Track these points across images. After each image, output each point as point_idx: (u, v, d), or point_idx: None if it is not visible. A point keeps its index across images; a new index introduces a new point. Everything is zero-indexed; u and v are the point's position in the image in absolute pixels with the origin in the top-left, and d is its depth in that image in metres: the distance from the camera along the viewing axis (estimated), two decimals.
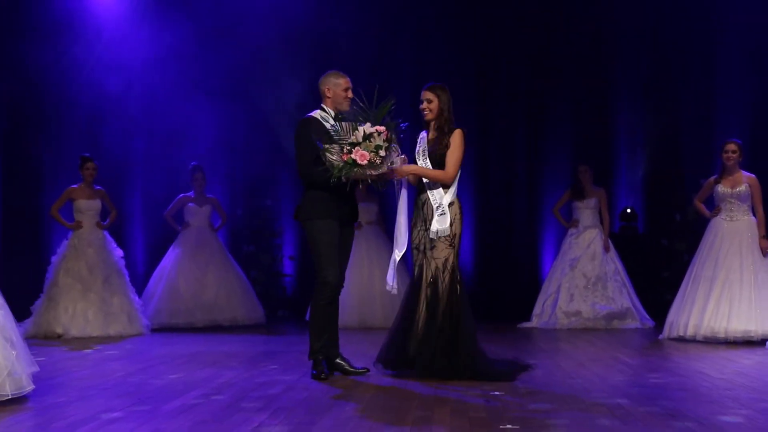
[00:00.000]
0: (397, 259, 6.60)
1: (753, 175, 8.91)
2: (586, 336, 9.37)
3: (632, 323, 10.22)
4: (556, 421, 4.82)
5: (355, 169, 6.13)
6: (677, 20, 12.29)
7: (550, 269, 10.92)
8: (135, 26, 11.97)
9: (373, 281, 10.64)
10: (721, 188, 8.91)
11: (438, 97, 6.67)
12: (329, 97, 6.60)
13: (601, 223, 10.67)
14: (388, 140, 6.18)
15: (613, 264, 10.54)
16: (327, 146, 6.21)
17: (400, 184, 6.62)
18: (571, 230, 10.71)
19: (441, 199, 6.55)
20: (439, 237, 6.50)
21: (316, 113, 6.58)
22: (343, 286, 6.69)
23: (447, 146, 6.57)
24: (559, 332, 9.86)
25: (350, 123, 6.29)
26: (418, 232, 6.62)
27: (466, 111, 12.73)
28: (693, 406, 5.21)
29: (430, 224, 6.52)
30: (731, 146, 8.89)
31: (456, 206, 6.58)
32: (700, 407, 5.18)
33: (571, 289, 10.42)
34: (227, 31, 12.31)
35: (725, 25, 12.08)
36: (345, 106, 6.58)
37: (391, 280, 6.65)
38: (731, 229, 8.85)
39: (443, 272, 6.49)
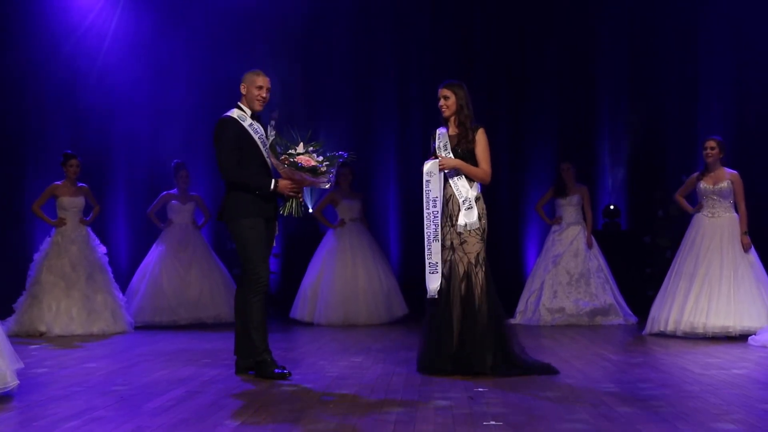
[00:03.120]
0: (436, 262, 6.53)
1: (735, 172, 8.95)
2: (570, 332, 9.40)
3: (615, 319, 10.25)
4: (538, 417, 4.83)
5: (296, 168, 6.25)
6: (660, 17, 12.33)
7: (533, 266, 10.94)
8: (115, 19, 11.92)
9: (357, 278, 10.62)
10: (703, 185, 8.95)
11: (455, 93, 6.69)
12: (244, 95, 6.56)
13: (584, 220, 10.69)
14: (329, 163, 6.33)
15: (597, 261, 10.56)
16: (275, 148, 6.34)
17: (429, 184, 6.59)
18: (554, 227, 10.73)
19: (467, 193, 6.58)
20: (469, 231, 6.52)
21: (234, 112, 6.53)
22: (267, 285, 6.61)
23: (472, 142, 6.63)
24: (543, 329, 9.88)
25: (283, 141, 6.36)
26: (442, 228, 6.59)
27: None
28: (675, 402, 5.24)
29: (457, 219, 6.54)
30: (710, 143, 8.95)
31: (482, 201, 6.64)
32: (682, 403, 5.21)
33: (554, 285, 10.44)
34: (209, 24, 12.29)
35: (708, 21, 12.14)
36: (257, 106, 6.54)
37: (434, 285, 6.54)
38: (713, 225, 8.89)
39: (476, 266, 6.52)
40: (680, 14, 12.24)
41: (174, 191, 10.90)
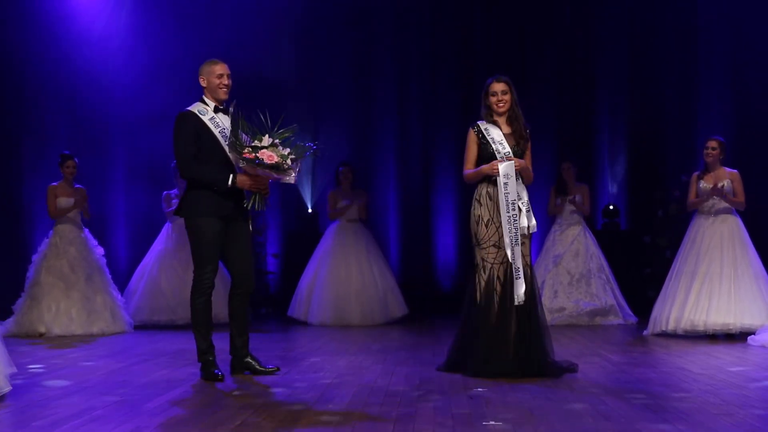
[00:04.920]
0: (519, 267, 6.38)
1: (735, 171, 8.97)
2: (570, 332, 9.39)
3: (615, 319, 10.24)
4: (538, 417, 4.83)
5: (258, 166, 6.10)
6: (659, 17, 12.34)
7: (533, 265, 10.90)
8: (115, 19, 11.92)
9: (350, 279, 10.62)
10: (703, 184, 8.96)
11: (511, 89, 6.55)
12: (205, 87, 6.44)
13: (583, 217, 10.71)
14: (295, 156, 6.17)
15: (597, 261, 10.56)
16: (235, 144, 6.19)
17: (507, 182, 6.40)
18: (555, 227, 10.73)
19: (524, 195, 6.46)
20: (526, 234, 6.42)
21: (195, 106, 6.42)
22: (250, 286, 6.51)
23: (526, 143, 6.54)
24: None
25: (252, 128, 6.19)
26: (497, 228, 6.41)
27: (448, 109, 12.80)
28: (675, 402, 5.24)
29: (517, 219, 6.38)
30: (712, 143, 8.98)
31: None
32: (682, 403, 5.21)
33: (555, 285, 10.44)
34: (209, 24, 12.28)
35: (708, 21, 12.15)
36: (222, 95, 6.40)
37: (521, 290, 6.41)
38: (713, 224, 8.90)
39: (530, 269, 6.45)
40: (680, 14, 12.25)
41: (174, 191, 10.89)
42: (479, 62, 12.67)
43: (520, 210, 6.42)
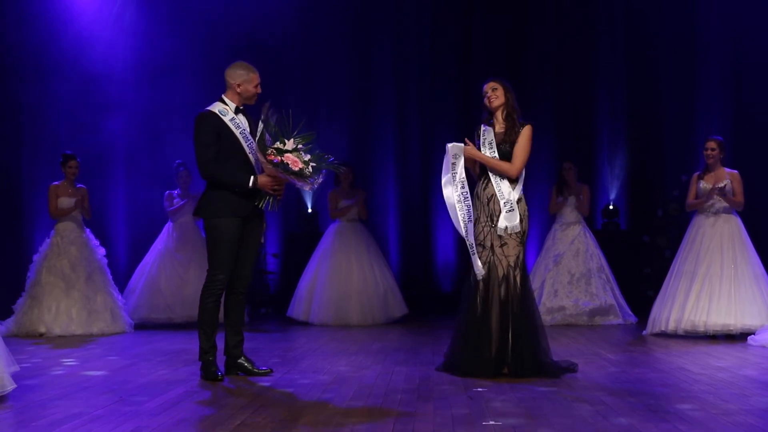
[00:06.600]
0: (472, 243, 6.42)
1: (736, 171, 8.98)
2: (569, 332, 9.39)
3: (614, 319, 10.25)
4: (538, 417, 4.83)
5: (281, 169, 6.09)
6: (660, 17, 12.35)
7: (533, 265, 10.92)
8: (117, 13, 11.91)
9: (351, 279, 10.62)
10: (704, 184, 8.97)
11: (502, 86, 6.58)
12: (238, 92, 6.41)
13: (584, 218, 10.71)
14: (316, 164, 6.17)
15: (597, 261, 10.56)
16: (261, 146, 6.18)
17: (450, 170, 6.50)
18: (555, 226, 10.73)
19: (509, 194, 6.44)
20: (510, 234, 6.41)
21: (215, 107, 6.41)
22: (247, 286, 6.53)
23: (516, 137, 6.51)
24: None
25: (275, 129, 6.17)
26: (483, 227, 6.47)
27: (447, 109, 12.81)
28: (675, 402, 5.24)
29: (497, 220, 6.42)
30: (711, 144, 9.00)
31: (523, 202, 6.50)
32: (681, 403, 5.21)
33: (555, 284, 10.44)
34: (209, 24, 12.27)
35: (707, 21, 12.15)
36: (253, 102, 6.45)
37: (480, 263, 6.42)
38: (713, 225, 8.90)
39: (515, 269, 6.38)
40: (680, 14, 12.25)
41: (176, 191, 10.90)
42: (478, 62, 12.68)
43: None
